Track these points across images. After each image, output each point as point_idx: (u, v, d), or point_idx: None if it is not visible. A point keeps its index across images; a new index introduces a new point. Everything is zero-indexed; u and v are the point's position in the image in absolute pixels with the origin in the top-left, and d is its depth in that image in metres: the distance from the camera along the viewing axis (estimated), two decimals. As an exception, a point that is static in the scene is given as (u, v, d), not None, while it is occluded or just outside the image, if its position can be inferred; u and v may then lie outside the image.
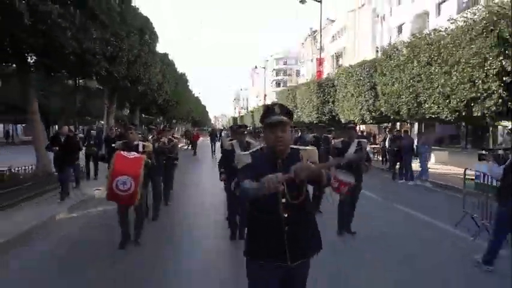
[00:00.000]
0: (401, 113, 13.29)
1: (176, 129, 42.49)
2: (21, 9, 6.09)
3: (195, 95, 59.31)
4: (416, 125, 19.61)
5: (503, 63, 8.87)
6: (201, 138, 29.32)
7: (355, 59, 35.64)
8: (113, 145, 9.09)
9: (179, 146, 9.74)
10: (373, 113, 16.13)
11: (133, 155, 4.88)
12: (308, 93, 23.71)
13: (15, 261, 4.83)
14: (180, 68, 29.33)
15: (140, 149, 5.18)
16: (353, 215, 5.81)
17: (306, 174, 1.92)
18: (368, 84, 16.09)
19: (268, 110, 2.23)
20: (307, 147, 2.38)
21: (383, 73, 14.30)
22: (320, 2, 26.97)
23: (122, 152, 4.88)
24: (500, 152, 5.48)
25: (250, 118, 56.72)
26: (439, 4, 27.89)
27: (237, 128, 5.56)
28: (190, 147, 25.64)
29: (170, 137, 7.95)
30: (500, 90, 9.12)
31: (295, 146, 2.31)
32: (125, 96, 18.66)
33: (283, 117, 2.16)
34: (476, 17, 9.94)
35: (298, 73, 70.91)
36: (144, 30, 14.65)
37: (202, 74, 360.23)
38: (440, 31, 11.23)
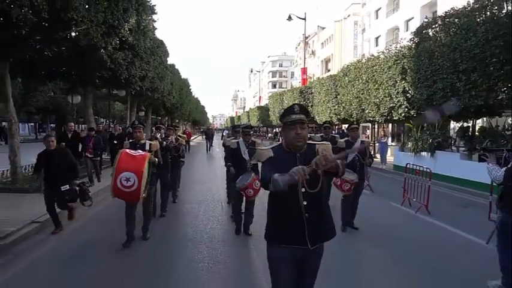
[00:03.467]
0: (352, 117, 17.96)
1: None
2: (105, 59, 10.63)
3: (195, 96, 63.81)
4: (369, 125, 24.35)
5: (405, 85, 13.53)
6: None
7: (341, 65, 40.25)
8: (115, 142, 11.08)
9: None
10: (337, 116, 20.74)
11: (138, 152, 4.98)
12: (292, 98, 28.35)
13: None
14: (182, 71, 33.63)
15: (147, 147, 5.31)
16: (356, 211, 6.11)
17: (326, 165, 2.07)
18: (334, 93, 20.70)
19: (288, 109, 2.42)
20: (322, 142, 2.58)
21: (341, 86, 18.97)
22: (304, 19, 31.52)
23: (127, 150, 4.98)
24: (504, 153, 4.85)
25: (246, 118, 61.46)
26: (407, 21, 32.46)
27: (243, 129, 5.90)
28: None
29: (176, 136, 8.06)
30: (405, 103, 13.79)
31: (311, 142, 2.50)
32: (143, 102, 23.23)
33: (302, 116, 2.37)
34: (393, 51, 14.60)
35: (292, 75, 75.05)
36: (163, 52, 19.18)
37: (202, 73, 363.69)
38: (373, 59, 15.90)
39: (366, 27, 39.96)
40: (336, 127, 23.78)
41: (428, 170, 7.56)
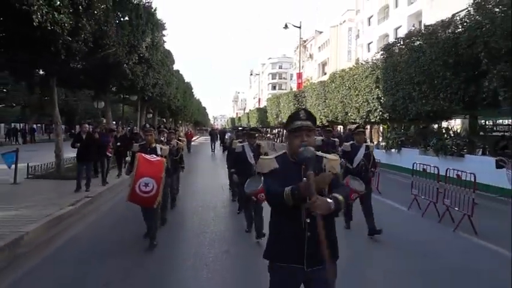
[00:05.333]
0: (338, 119, 20.33)
1: (181, 129, 49.45)
2: (127, 72, 12.99)
3: (197, 98, 66.22)
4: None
5: (378, 92, 15.87)
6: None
7: (336, 69, 42.44)
8: (118, 144, 11.11)
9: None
10: (326, 118, 23.08)
11: (154, 158, 4.98)
12: (288, 101, 30.70)
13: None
14: (183, 72, 35.77)
15: (159, 152, 5.29)
16: (373, 215, 5.78)
17: (317, 186, 1.97)
18: (323, 97, 23.04)
19: (293, 115, 2.25)
20: (330, 156, 2.34)
21: (329, 91, 21.34)
22: (299, 27, 33.88)
23: (144, 155, 4.92)
24: None
25: (246, 119, 63.81)
26: (396, 29, 34.67)
27: (249, 131, 5.86)
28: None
29: (176, 140, 8.05)
30: (379, 107, 16.13)
31: (318, 153, 2.25)
32: (151, 105, 25.68)
33: (308, 122, 2.19)
34: (370, 63, 16.95)
35: (291, 77, 77.00)
36: (170, 61, 21.62)
37: (202, 74, 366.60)
38: (354, 68, 18.27)
39: (359, 33, 42.14)
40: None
41: (379, 160, 9.91)
